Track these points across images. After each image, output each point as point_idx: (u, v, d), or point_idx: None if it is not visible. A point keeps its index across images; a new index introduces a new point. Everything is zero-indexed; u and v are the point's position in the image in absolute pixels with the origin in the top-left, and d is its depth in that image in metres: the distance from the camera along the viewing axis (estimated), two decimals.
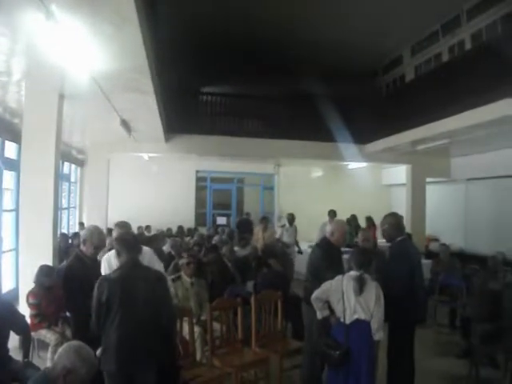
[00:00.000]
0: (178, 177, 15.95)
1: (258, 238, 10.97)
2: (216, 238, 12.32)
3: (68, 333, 5.62)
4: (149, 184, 15.20)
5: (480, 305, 6.37)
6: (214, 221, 16.69)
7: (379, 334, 4.35)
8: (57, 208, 7.25)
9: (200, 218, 16.75)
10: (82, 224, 13.27)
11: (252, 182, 18.21)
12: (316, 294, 4.51)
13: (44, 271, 5.91)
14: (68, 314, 5.48)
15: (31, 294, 5.87)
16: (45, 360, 5.51)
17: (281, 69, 14.42)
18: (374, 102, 14.33)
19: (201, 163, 16.08)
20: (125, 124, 9.34)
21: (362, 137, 13.34)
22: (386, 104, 13.53)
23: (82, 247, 4.65)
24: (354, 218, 13.60)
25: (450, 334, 7.60)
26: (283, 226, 11.98)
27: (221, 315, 5.25)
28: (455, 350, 6.90)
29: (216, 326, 5.29)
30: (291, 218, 11.79)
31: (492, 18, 11.26)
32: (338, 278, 4.52)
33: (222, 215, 17.12)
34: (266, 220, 11.51)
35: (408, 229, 9.25)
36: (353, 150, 13.38)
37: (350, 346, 4.26)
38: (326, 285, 4.52)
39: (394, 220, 5.01)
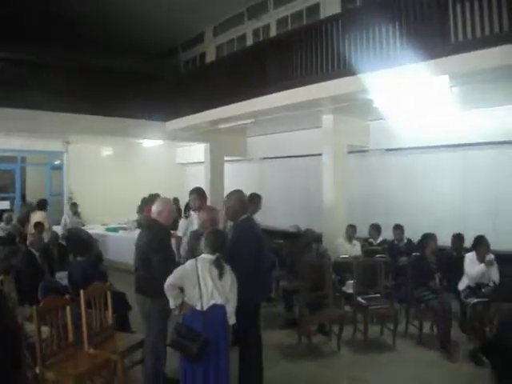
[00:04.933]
0: None
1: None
2: (2, 225, 11.05)
3: None
4: None
5: (302, 276, 6.58)
6: None
7: (233, 317, 4.17)
8: None
9: None
10: None
11: (37, 161, 16.49)
12: (170, 280, 4.09)
13: None
14: None
15: None
16: None
17: (75, 39, 13.30)
18: (172, 79, 14.02)
19: None
20: None
21: (161, 114, 12.94)
22: (185, 82, 13.30)
23: None
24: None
25: (268, 306, 7.72)
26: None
27: (48, 317, 4.39)
28: (278, 322, 7.12)
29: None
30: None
31: (298, 7, 11.87)
32: (191, 262, 4.19)
33: (4, 199, 15.24)
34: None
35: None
36: (151, 128, 12.95)
37: (208, 336, 3.97)
38: (179, 270, 4.15)
39: (239, 198, 4.81)
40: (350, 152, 10.07)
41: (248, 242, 4.63)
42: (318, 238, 8.17)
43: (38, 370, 4.13)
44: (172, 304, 4.16)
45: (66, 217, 12.16)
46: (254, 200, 6.56)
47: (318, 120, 9.75)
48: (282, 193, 13.02)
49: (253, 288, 4.42)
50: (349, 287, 7.12)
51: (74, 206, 12.20)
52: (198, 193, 6.61)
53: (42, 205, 10.75)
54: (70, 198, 15.42)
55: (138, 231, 11.21)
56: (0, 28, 12.17)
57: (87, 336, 4.67)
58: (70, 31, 13.09)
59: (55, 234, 9.17)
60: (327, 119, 9.64)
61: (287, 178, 13.14)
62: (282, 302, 7.69)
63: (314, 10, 11.34)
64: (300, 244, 7.90)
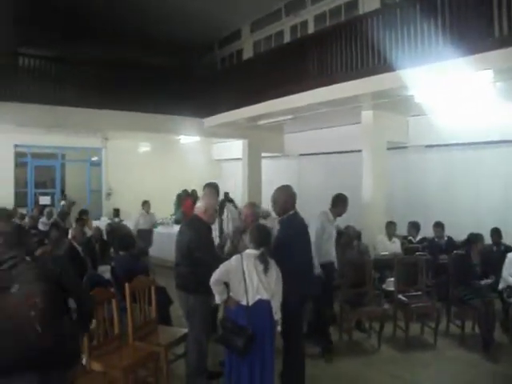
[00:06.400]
0: None
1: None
2: (44, 220, 11.26)
3: None
4: None
5: (343, 273, 6.54)
6: (37, 201, 15.14)
7: (278, 313, 4.19)
8: None
9: (20, 198, 15.03)
10: None
11: (77, 158, 16.84)
12: (216, 276, 4.14)
13: None
14: None
15: None
16: None
17: (113, 36, 13.49)
18: (209, 75, 14.14)
19: (20, 137, 14.33)
20: None
21: (199, 111, 13.05)
22: (223, 78, 13.39)
23: None
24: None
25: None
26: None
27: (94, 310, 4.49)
28: None
29: None
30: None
31: (336, 3, 11.77)
32: (237, 257, 4.22)
33: (45, 194, 15.60)
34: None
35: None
36: (189, 124, 13.12)
37: (253, 331, 3.99)
38: (225, 265, 4.18)
39: (287, 193, 4.81)
40: (389, 148, 9.98)
41: (295, 237, 4.64)
42: (358, 235, 8.13)
43: (85, 361, 4.22)
44: (218, 299, 4.21)
45: (140, 216, 11.67)
46: (340, 200, 6.24)
47: (357, 116, 9.71)
48: (321, 190, 12.91)
49: (299, 283, 4.44)
50: (389, 285, 7.07)
51: (146, 204, 11.79)
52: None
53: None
54: (109, 194, 15.75)
55: (175, 226, 11.47)
56: (38, 26, 12.40)
57: (132, 329, 4.75)
58: (106, 28, 13.25)
59: (98, 229, 9.34)
60: (367, 115, 9.59)
61: (325, 175, 13.07)
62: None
63: (352, 5, 11.22)
64: (341, 241, 7.86)
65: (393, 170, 10.12)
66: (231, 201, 8.33)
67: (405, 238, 8.87)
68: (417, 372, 5.55)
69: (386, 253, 7.93)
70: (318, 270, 5.55)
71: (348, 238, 7.62)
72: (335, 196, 6.20)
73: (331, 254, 6.11)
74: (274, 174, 14.48)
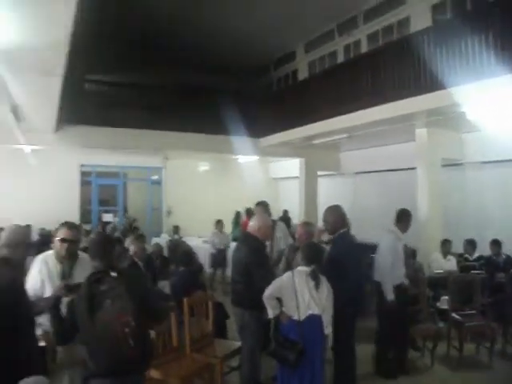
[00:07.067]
0: (62, 171, 14.74)
1: None
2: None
3: None
4: (30, 180, 13.87)
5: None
6: (100, 218, 15.80)
7: (329, 327, 4.34)
8: None
9: (85, 215, 15.73)
10: None
11: (138, 176, 17.50)
12: (269, 292, 4.34)
13: None
14: None
15: None
16: None
17: (170, 59, 14.08)
18: (265, 96, 14.48)
19: (85, 157, 15.09)
20: (15, 111, 8.39)
21: (255, 131, 13.39)
22: (278, 99, 13.69)
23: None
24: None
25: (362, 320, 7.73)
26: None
27: None
28: (373, 335, 7.08)
29: None
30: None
31: (388, 21, 11.85)
32: (288, 274, 4.41)
33: (108, 211, 16.30)
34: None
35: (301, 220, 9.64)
36: (246, 144, 13.40)
37: (304, 345, 4.15)
38: (278, 282, 4.39)
39: (338, 213, 4.97)
40: (444, 165, 9.91)
41: (346, 256, 4.80)
42: (413, 253, 8.12)
43: None
44: (270, 313, 4.40)
45: (213, 236, 12.01)
46: (405, 215, 6.14)
47: (411, 134, 9.73)
48: (376, 207, 12.95)
49: (350, 299, 4.61)
50: (443, 303, 7.02)
51: (219, 223, 12.10)
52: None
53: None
54: (169, 212, 16.22)
55: (232, 244, 11.71)
56: (104, 53, 13.07)
57: (189, 341, 4.99)
58: (167, 54, 13.86)
59: (158, 246, 9.68)
60: (421, 133, 9.60)
61: (381, 193, 13.06)
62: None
63: (404, 23, 11.26)
64: None
65: (448, 187, 10.03)
66: (287, 219, 8.47)
67: (461, 255, 8.78)
68: None
69: (441, 271, 7.89)
70: (390, 297, 5.55)
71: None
72: (400, 211, 6.09)
73: (403, 274, 5.99)
74: (330, 191, 14.55)
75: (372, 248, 10.80)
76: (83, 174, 15.87)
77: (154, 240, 12.24)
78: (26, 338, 3.52)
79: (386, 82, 8.99)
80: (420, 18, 10.58)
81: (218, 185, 16.53)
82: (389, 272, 5.57)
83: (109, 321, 3.03)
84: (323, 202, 14.06)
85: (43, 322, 3.88)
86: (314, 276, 4.28)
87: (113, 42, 12.89)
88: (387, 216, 12.08)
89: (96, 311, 3.04)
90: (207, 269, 11.18)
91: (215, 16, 12.19)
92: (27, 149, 12.75)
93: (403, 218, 6.03)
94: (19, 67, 5.98)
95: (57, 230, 4.18)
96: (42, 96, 7.60)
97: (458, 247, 8.86)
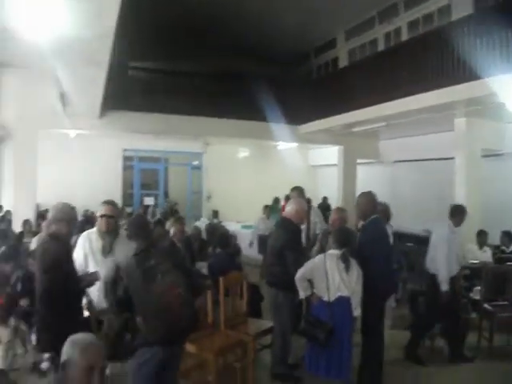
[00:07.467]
0: (105, 156, 15.23)
1: None
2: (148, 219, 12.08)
3: (22, 327, 5.28)
4: (75, 164, 14.37)
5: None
6: (142, 201, 16.26)
7: (358, 309, 4.48)
8: None
9: (127, 199, 16.23)
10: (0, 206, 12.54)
11: (179, 161, 17.90)
12: (301, 273, 4.53)
13: (7, 256, 5.41)
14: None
15: None
16: None
17: (212, 46, 14.26)
18: (305, 83, 14.55)
19: (128, 142, 15.55)
20: (62, 97, 8.77)
21: (295, 118, 13.45)
22: (318, 86, 13.75)
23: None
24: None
25: (394, 308, 7.82)
26: None
27: None
28: (403, 323, 7.16)
29: None
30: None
31: (428, 9, 11.73)
32: (320, 256, 4.58)
33: (150, 195, 16.73)
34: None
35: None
36: (285, 131, 13.47)
37: (333, 325, 4.32)
38: (309, 264, 4.57)
39: (369, 198, 5.08)
40: (483, 156, 9.82)
41: (376, 241, 4.91)
42: None
43: None
44: (302, 294, 4.60)
45: (260, 221, 11.97)
46: (459, 211, 6.17)
47: (451, 123, 9.67)
48: (414, 196, 12.94)
49: (381, 284, 4.72)
50: (476, 293, 7.02)
51: (267, 208, 12.09)
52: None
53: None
54: (208, 197, 16.52)
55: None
56: (150, 41, 13.36)
57: (224, 319, 5.22)
58: (211, 42, 14.12)
59: (197, 229, 9.95)
60: (460, 122, 9.55)
61: (419, 182, 13.03)
62: (407, 304, 7.74)
63: (445, 10, 11.12)
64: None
65: (487, 177, 9.91)
66: (327, 206, 8.58)
67: (497, 247, 8.72)
68: (499, 382, 5.55)
69: (476, 261, 7.88)
70: (445, 288, 5.70)
71: None
72: (454, 207, 6.19)
73: (457, 266, 6.14)
74: (369, 179, 14.56)
75: (408, 237, 10.93)
76: (126, 158, 16.31)
77: (194, 224, 12.53)
78: (72, 308, 3.83)
79: (426, 70, 8.94)
80: (461, 5, 10.44)
81: (257, 171, 16.70)
82: (444, 263, 5.71)
83: (162, 292, 3.30)
84: (361, 189, 14.06)
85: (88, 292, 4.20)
86: (344, 259, 4.43)
87: (155, 29, 13.15)
88: (424, 205, 12.24)
89: (150, 284, 3.31)
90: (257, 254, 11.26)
91: (257, 3, 12.31)
92: (73, 134, 13.20)
93: (456, 213, 6.10)
94: (69, 57, 6.30)
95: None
96: (89, 83, 7.91)
97: (496, 239, 8.79)
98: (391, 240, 6.13)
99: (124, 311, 3.69)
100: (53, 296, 3.74)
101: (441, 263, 5.75)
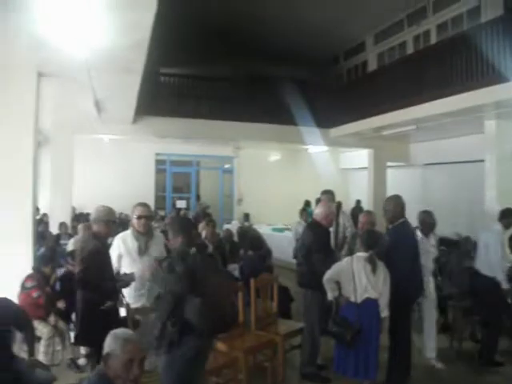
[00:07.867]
0: (138, 160, 15.63)
1: None
2: None
3: (61, 325, 5.53)
4: (108, 168, 14.80)
5: (461, 283, 6.65)
6: (174, 204, 16.56)
7: (385, 311, 4.56)
8: (36, 193, 6.89)
9: (159, 202, 16.55)
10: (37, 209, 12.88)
11: (211, 165, 18.14)
12: (328, 275, 4.64)
13: (47, 257, 5.68)
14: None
15: (29, 278, 5.45)
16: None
17: (242, 51, 14.45)
18: (335, 87, 14.63)
19: (160, 146, 15.85)
20: (97, 104, 9.08)
21: (325, 121, 13.52)
22: (348, 89, 13.82)
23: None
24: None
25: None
26: None
27: None
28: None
29: None
30: None
31: (457, 11, 11.71)
32: (348, 258, 4.70)
33: (182, 198, 17.02)
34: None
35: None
36: (316, 134, 13.56)
37: (361, 326, 4.42)
38: (337, 266, 4.68)
39: (397, 202, 5.17)
40: None
41: (404, 244, 5.01)
42: (475, 246, 8.10)
43: None
44: (330, 296, 4.70)
45: (297, 225, 11.12)
46: (507, 214, 6.25)
47: (481, 126, 9.64)
48: (445, 199, 12.86)
49: (407, 287, 4.82)
50: None
51: (304, 212, 11.60)
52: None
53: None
54: (240, 200, 16.71)
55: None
56: (177, 47, 13.64)
57: (255, 319, 5.37)
58: (238, 47, 14.34)
59: (229, 231, 10.12)
60: (490, 125, 9.49)
61: (449, 184, 12.99)
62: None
63: (474, 12, 11.08)
64: (459, 251, 7.93)
65: None
66: (360, 209, 8.66)
67: None
68: None
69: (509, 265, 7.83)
70: (506, 286, 5.88)
71: (465, 248, 7.68)
72: (505, 210, 6.26)
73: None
74: (399, 182, 14.54)
75: (439, 240, 10.85)
76: (158, 162, 16.67)
77: (226, 227, 12.71)
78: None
79: (455, 73, 8.99)
80: (491, 7, 10.39)
81: (288, 174, 16.84)
82: (501, 264, 5.91)
83: (216, 288, 3.47)
84: (392, 193, 14.04)
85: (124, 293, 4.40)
86: (371, 260, 4.53)
87: (184, 35, 13.44)
88: (455, 208, 12.16)
89: (205, 279, 3.47)
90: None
91: (287, 8, 12.49)
92: (107, 139, 13.57)
93: (506, 216, 6.20)
94: (105, 66, 6.55)
95: (133, 211, 4.70)
96: (123, 91, 8.22)
97: None
98: (435, 250, 6.19)
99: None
100: (89, 287, 4.04)
101: (497, 264, 5.90)
